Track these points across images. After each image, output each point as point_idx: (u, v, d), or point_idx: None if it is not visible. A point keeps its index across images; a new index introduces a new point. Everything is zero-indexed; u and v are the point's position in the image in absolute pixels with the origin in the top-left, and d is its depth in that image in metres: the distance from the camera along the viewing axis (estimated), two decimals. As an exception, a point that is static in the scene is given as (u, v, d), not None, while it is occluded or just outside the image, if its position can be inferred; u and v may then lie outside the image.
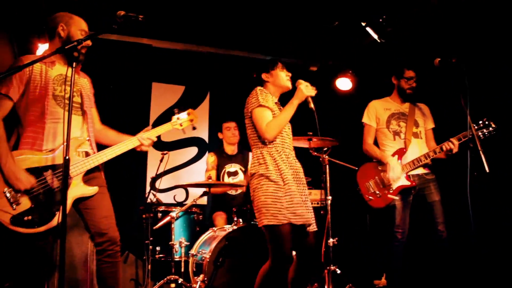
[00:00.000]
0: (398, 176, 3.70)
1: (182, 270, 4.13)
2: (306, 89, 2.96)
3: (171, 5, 4.60)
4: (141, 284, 4.76)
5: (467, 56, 3.36)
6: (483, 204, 3.48)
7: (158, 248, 4.34)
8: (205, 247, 3.92)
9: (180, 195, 5.63)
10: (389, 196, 3.72)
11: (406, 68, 3.89)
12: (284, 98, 3.07)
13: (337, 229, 4.14)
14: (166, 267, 4.24)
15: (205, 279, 3.69)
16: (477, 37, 4.18)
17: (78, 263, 3.64)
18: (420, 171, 3.78)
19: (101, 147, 2.88)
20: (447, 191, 3.78)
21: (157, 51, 5.43)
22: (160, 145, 5.35)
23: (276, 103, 3.04)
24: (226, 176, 4.90)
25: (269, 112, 2.90)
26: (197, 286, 3.70)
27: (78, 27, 2.75)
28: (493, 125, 3.56)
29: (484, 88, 3.80)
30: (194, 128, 3.22)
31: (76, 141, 2.69)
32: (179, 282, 4.04)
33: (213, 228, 4.16)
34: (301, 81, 3.02)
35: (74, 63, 2.35)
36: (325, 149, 4.24)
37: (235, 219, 4.05)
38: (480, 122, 3.58)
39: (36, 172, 2.55)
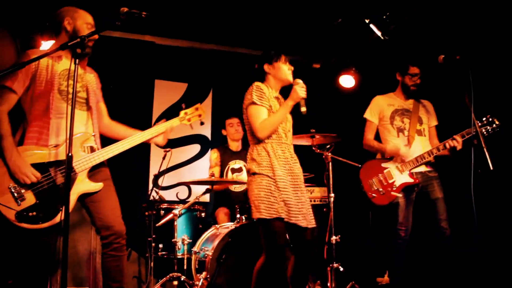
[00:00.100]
0: (407, 152, 3.69)
1: (185, 267, 4.13)
2: (301, 91, 2.89)
3: (174, 2, 4.59)
4: (144, 282, 4.77)
5: (471, 53, 3.34)
6: (486, 201, 3.46)
7: (160, 246, 4.34)
8: (207, 245, 3.92)
9: (182, 192, 5.63)
10: (393, 193, 3.70)
11: (410, 64, 3.86)
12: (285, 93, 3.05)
13: (340, 227, 4.14)
14: (168, 265, 4.24)
15: (208, 276, 3.69)
16: (481, 34, 4.16)
17: (83, 260, 3.65)
18: (423, 168, 3.77)
19: (105, 142, 2.87)
20: (451, 189, 3.76)
21: (160, 48, 5.43)
22: (163, 142, 5.35)
23: (276, 97, 2.99)
24: (230, 172, 4.89)
25: (262, 110, 2.86)
26: (200, 283, 3.70)
27: (84, 20, 2.75)
28: (497, 122, 3.54)
29: (487, 86, 3.78)
30: (202, 123, 3.21)
31: (82, 136, 2.69)
32: (182, 279, 4.03)
33: (216, 225, 4.16)
34: (298, 81, 2.95)
35: (77, 60, 2.34)
36: (328, 146, 4.24)
37: (238, 216, 4.04)
38: (484, 119, 3.56)
39: (41, 167, 2.55)
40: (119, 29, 5.05)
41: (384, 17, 4.42)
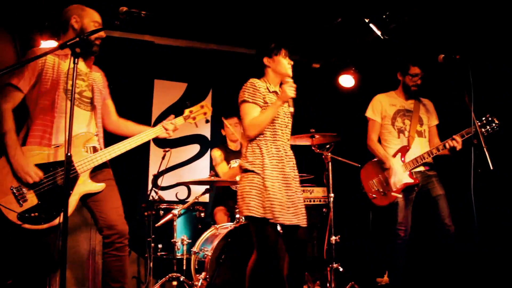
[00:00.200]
0: (400, 180, 3.68)
1: (184, 267, 4.13)
2: (290, 91, 2.80)
3: (174, 1, 4.59)
4: (143, 282, 4.76)
5: (471, 53, 3.34)
6: (486, 201, 3.45)
7: (160, 246, 4.34)
8: (207, 245, 3.91)
9: (182, 192, 5.62)
10: (393, 194, 3.70)
11: (411, 64, 3.84)
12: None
13: (340, 227, 4.13)
14: (168, 265, 4.23)
15: (207, 276, 3.69)
16: (481, 34, 4.16)
17: (84, 260, 3.64)
18: (421, 168, 3.76)
19: (108, 142, 2.86)
20: (451, 188, 3.75)
21: (160, 48, 5.42)
22: (162, 142, 5.35)
23: (275, 91, 2.92)
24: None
25: (253, 108, 2.81)
26: (199, 283, 3.69)
27: (91, 18, 2.74)
28: (496, 121, 3.53)
29: (487, 85, 3.77)
30: (207, 121, 3.18)
31: (84, 136, 2.68)
32: (181, 279, 4.03)
33: (215, 225, 4.15)
34: (287, 79, 2.87)
35: (76, 59, 2.31)
36: (328, 146, 4.23)
37: (237, 216, 4.04)
38: (483, 118, 3.55)
39: (44, 168, 2.55)
40: (118, 28, 5.04)
41: (384, 16, 4.41)
